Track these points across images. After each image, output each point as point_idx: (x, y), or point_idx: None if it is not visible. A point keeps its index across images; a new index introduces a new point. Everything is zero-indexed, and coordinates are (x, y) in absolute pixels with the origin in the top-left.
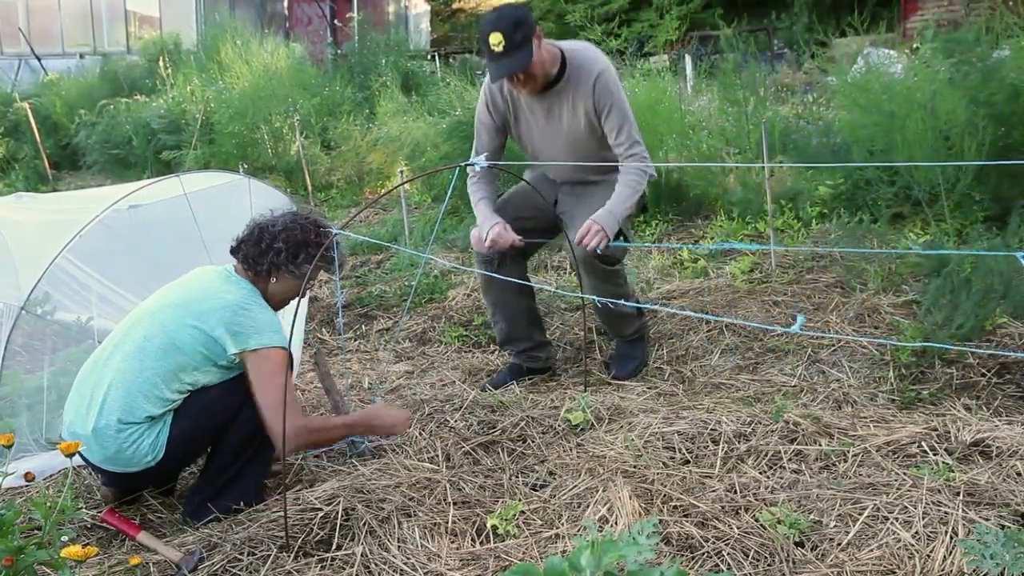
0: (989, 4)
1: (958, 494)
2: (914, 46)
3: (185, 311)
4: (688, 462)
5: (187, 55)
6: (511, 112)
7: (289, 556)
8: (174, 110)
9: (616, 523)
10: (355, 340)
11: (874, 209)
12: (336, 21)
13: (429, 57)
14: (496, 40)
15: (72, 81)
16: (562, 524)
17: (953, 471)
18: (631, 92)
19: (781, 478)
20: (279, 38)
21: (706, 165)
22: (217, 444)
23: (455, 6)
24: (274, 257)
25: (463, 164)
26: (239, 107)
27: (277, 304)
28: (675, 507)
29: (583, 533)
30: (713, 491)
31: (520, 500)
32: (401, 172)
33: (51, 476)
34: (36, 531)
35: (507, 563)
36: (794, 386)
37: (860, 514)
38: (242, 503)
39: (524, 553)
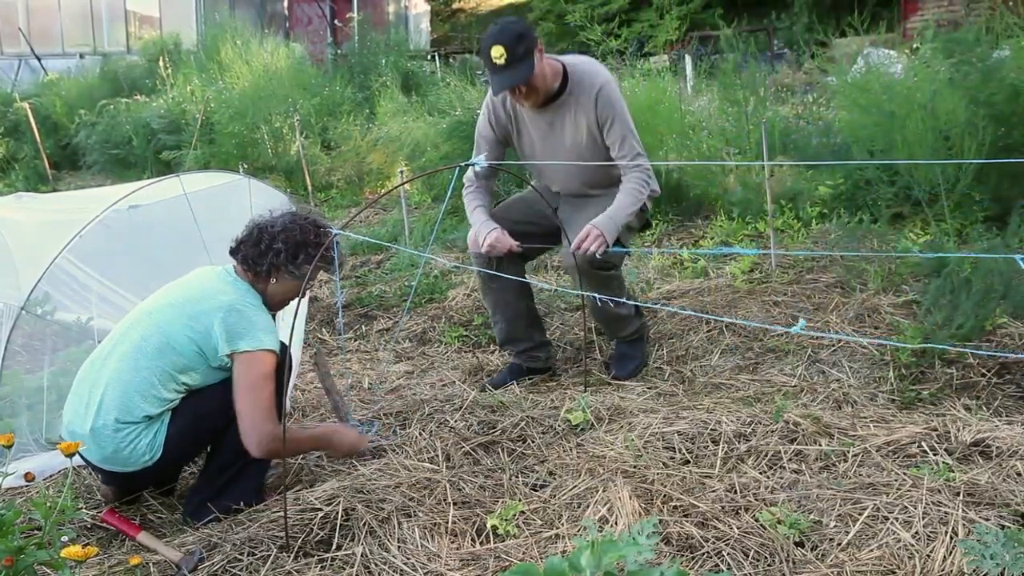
0: (989, 4)
1: (958, 494)
2: (914, 46)
3: (182, 311)
4: (688, 462)
5: (187, 55)
6: (513, 126)
7: (289, 556)
8: (174, 110)
9: (616, 523)
10: (355, 340)
11: (874, 209)
12: (336, 21)
13: (429, 57)
14: (498, 53)
15: (72, 81)
16: (562, 524)
17: (953, 471)
18: (631, 92)
19: (781, 478)
20: (279, 38)
21: (706, 165)
22: (217, 444)
23: (455, 6)
24: (274, 258)
25: (463, 164)
26: (239, 107)
27: (277, 305)
28: (675, 507)
29: (583, 533)
30: (713, 491)
31: (520, 500)
32: (401, 172)
33: (51, 476)
34: (36, 531)
35: (507, 563)
36: (794, 386)
37: (860, 514)
38: (242, 503)
39: (524, 553)
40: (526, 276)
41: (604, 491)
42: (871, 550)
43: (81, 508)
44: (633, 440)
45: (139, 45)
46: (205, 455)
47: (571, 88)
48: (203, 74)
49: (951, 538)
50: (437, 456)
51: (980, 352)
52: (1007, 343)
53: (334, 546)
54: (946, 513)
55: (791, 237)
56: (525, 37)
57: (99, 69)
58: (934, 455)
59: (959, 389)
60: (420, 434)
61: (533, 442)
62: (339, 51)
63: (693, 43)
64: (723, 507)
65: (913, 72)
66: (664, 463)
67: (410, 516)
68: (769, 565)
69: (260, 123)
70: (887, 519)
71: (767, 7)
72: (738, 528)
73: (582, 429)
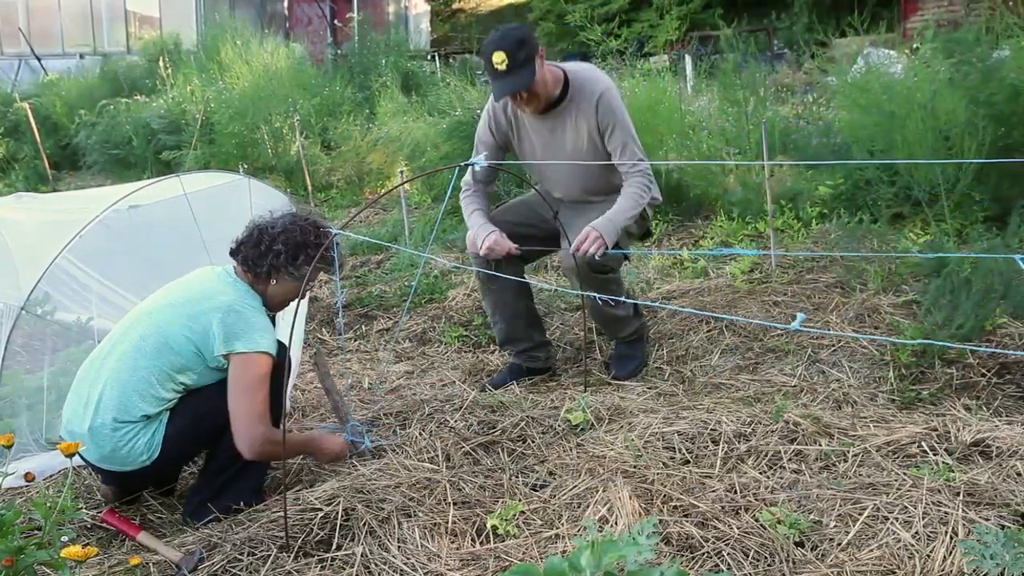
0: (989, 4)
1: (958, 494)
2: (914, 46)
3: (181, 311)
4: (688, 462)
5: (187, 55)
6: (514, 132)
7: (289, 556)
8: (174, 110)
9: (616, 523)
10: (355, 340)
11: (874, 209)
12: (336, 21)
13: (429, 57)
14: (499, 59)
15: (72, 81)
16: (562, 524)
17: (953, 471)
18: (631, 92)
19: (781, 478)
20: (279, 38)
21: (706, 165)
22: (216, 444)
23: (455, 6)
24: (274, 259)
25: (463, 164)
26: (239, 107)
27: (277, 306)
28: (675, 507)
29: (583, 533)
30: (713, 491)
31: (520, 500)
32: (401, 172)
33: (51, 476)
34: (36, 531)
35: (507, 563)
36: (794, 386)
37: (860, 514)
38: (242, 503)
39: (524, 553)
40: (525, 276)
41: (604, 491)
42: (871, 550)
43: (81, 508)
44: (633, 440)
45: (139, 45)
46: (205, 455)
47: (572, 95)
48: (203, 74)
49: (951, 538)
50: (437, 456)
51: (980, 348)
52: (1007, 343)
53: (334, 546)
54: (946, 513)
55: (791, 237)
56: (526, 43)
57: (99, 69)
58: (934, 455)
59: (959, 389)
60: (420, 434)
61: (533, 442)
62: (339, 51)
63: (693, 43)
64: (723, 507)
65: (913, 72)
66: (664, 463)
67: (410, 516)
68: (769, 565)
69: (260, 123)
70: (887, 519)
71: (767, 7)
72: (738, 528)
73: (582, 429)
